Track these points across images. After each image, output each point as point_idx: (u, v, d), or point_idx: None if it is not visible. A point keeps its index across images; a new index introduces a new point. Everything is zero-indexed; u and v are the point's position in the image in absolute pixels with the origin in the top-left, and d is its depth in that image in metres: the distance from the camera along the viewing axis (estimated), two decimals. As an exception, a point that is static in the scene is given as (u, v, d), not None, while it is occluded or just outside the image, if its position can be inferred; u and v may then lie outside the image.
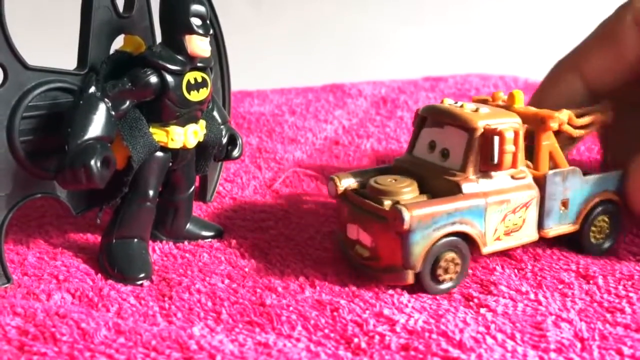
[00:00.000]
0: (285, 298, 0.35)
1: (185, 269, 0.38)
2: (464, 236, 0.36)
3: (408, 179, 0.37)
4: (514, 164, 0.37)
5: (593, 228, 0.40)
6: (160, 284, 0.37)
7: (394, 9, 1.11)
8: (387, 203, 0.36)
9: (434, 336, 0.31)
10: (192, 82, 0.37)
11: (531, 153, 0.39)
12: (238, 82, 0.54)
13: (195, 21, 0.36)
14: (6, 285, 0.36)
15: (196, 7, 0.36)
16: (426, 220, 0.34)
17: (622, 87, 0.44)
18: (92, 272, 0.38)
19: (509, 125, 0.37)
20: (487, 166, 0.36)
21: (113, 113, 0.35)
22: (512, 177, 0.37)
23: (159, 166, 0.38)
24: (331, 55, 1.07)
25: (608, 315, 0.33)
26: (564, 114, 0.39)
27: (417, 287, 0.36)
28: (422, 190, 0.37)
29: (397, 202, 0.35)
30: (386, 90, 0.81)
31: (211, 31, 0.37)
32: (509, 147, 0.36)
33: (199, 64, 0.37)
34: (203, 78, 0.38)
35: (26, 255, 0.40)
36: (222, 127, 0.42)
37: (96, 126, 0.34)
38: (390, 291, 0.35)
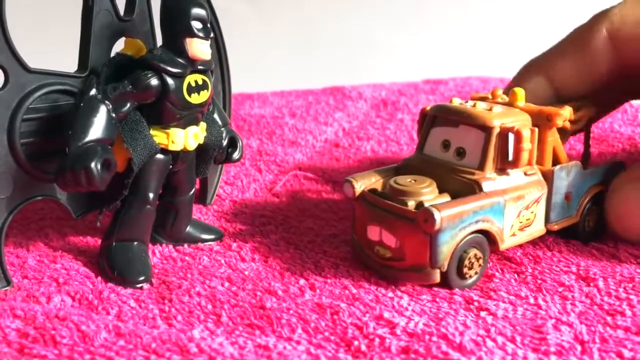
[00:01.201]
0: (285, 301, 0.35)
1: (185, 272, 0.38)
2: (484, 233, 0.36)
3: (427, 179, 0.37)
4: (529, 162, 0.37)
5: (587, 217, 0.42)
6: (160, 286, 0.37)
7: (394, 12, 1.11)
8: (411, 204, 0.36)
9: (434, 339, 0.31)
10: (193, 84, 0.37)
11: None
12: (238, 85, 0.54)
13: (196, 24, 0.36)
14: (6, 288, 0.36)
15: (197, 11, 0.36)
16: (454, 220, 0.34)
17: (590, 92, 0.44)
18: (92, 275, 0.38)
19: (522, 123, 0.38)
20: (504, 164, 0.37)
21: (114, 115, 0.35)
22: (525, 173, 0.38)
23: (160, 168, 0.38)
24: (331, 58, 1.07)
25: (608, 318, 0.33)
26: (567, 111, 0.40)
27: (417, 290, 0.36)
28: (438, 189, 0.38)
29: (421, 203, 0.36)
30: (386, 92, 0.81)
31: (212, 34, 0.37)
32: (526, 145, 0.37)
33: (199, 67, 0.37)
34: (204, 80, 0.38)
35: (26, 258, 0.39)
36: (222, 129, 0.42)
37: (97, 128, 0.34)
38: (390, 294, 0.35)
